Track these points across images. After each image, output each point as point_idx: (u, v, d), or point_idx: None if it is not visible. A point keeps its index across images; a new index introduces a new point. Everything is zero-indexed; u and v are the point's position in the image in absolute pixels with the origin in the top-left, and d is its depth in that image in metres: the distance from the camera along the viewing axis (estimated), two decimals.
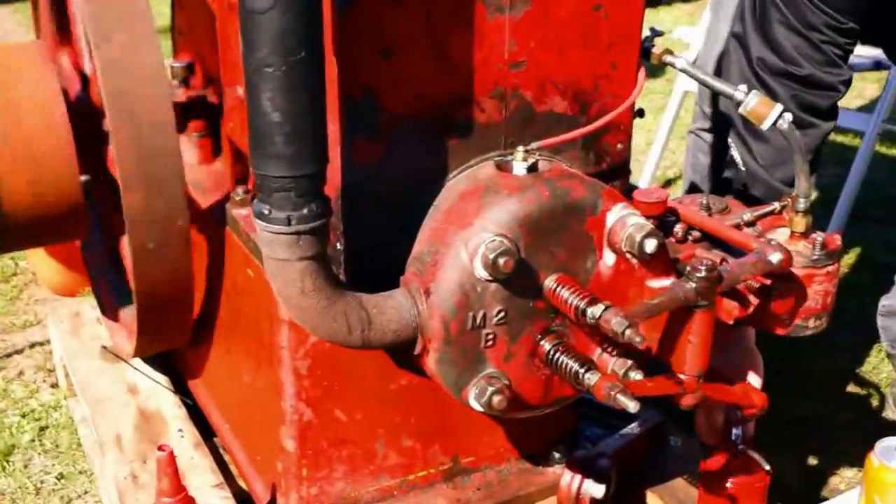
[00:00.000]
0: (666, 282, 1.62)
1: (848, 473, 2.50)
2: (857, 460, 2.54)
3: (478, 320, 1.55)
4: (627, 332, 1.42)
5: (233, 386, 2.31)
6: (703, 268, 1.51)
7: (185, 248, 2.06)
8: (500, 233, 1.51)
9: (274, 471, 2.00)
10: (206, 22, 2.26)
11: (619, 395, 1.45)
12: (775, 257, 1.59)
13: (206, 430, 2.45)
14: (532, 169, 1.62)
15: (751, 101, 1.68)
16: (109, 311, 2.62)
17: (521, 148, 1.60)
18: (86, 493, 2.52)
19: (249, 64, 1.31)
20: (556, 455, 2.07)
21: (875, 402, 2.81)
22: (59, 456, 2.63)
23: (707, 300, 1.53)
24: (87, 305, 2.94)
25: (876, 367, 2.97)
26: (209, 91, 2.37)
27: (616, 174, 1.78)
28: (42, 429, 2.72)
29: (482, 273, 1.51)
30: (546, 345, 1.60)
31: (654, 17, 6.18)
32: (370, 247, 1.64)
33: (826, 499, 2.45)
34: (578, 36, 1.64)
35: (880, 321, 2.97)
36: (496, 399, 1.55)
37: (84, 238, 2.52)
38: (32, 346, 3.14)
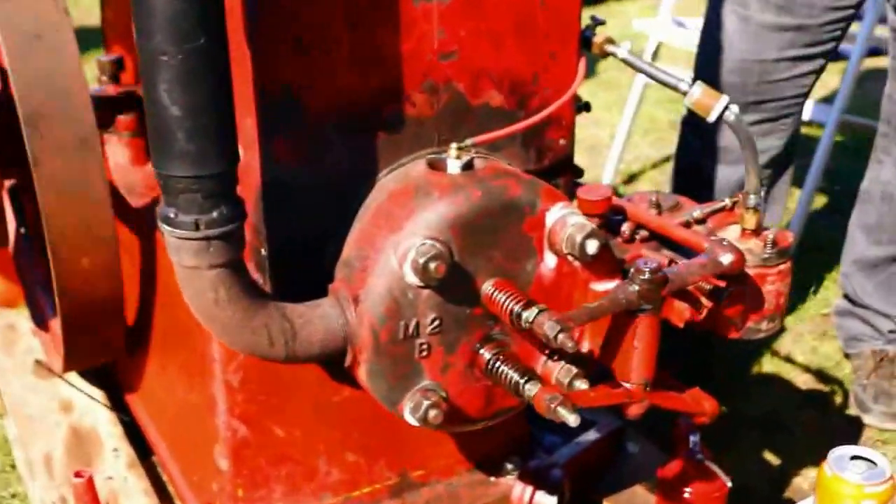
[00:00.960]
0: (611, 284, 1.52)
1: (812, 474, 2.41)
2: (821, 460, 2.46)
3: (410, 329, 1.44)
4: (559, 336, 1.32)
5: (168, 401, 2.19)
6: (647, 269, 1.41)
7: (111, 258, 1.94)
8: (430, 236, 1.40)
9: (210, 492, 1.89)
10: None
11: (559, 409, 1.34)
12: (726, 258, 1.49)
13: (144, 449, 2.33)
14: (467, 167, 1.52)
15: (695, 93, 1.58)
16: (42, 322, 2.50)
17: (454, 145, 1.49)
18: None
19: (143, 52, 1.19)
20: (510, 465, 1.96)
21: (839, 399, 2.72)
22: None
23: (651, 304, 1.43)
24: (23, 317, 2.81)
25: (839, 362, 2.88)
26: (140, 87, 2.25)
27: (559, 171, 1.68)
28: None
29: (413, 279, 1.40)
30: (486, 354, 1.50)
31: (618, 9, 6.08)
32: (297, 252, 1.52)
33: (790, 499, 2.37)
34: (513, 24, 1.53)
35: (835, 320, 2.90)
36: (432, 413, 1.45)
37: (5, 245, 2.39)
38: None
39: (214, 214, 1.27)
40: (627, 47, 1.62)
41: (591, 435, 2.09)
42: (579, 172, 1.83)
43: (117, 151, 2.33)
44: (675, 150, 2.86)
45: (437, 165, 1.52)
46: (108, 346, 2.13)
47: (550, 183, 1.67)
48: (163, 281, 2.12)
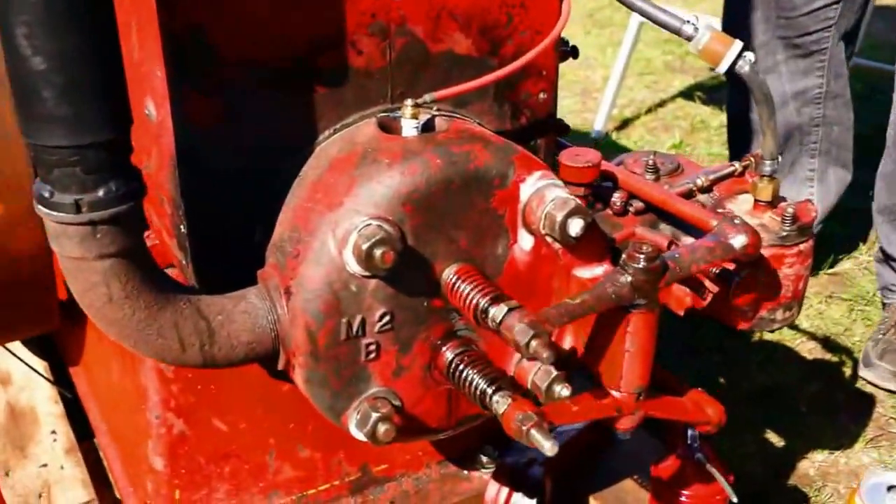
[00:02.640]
0: (599, 270, 1.24)
1: (818, 457, 2.15)
2: (829, 441, 2.20)
3: (354, 328, 1.16)
4: (532, 344, 1.04)
5: (106, 380, 1.93)
6: (642, 256, 1.13)
7: (33, 220, 1.65)
8: (376, 215, 1.12)
9: (145, 489, 1.63)
10: None
11: (532, 432, 1.07)
12: (738, 241, 1.20)
13: (84, 428, 2.07)
14: (426, 128, 1.22)
15: (703, 38, 1.27)
16: None
17: (409, 101, 1.19)
18: None
19: None
20: (484, 458, 1.70)
21: (847, 371, 2.45)
22: None
23: (646, 298, 1.15)
24: None
25: (848, 328, 2.60)
26: None
27: (539, 131, 1.38)
28: None
29: (355, 268, 1.12)
30: (448, 353, 1.22)
31: None
32: (222, 229, 1.24)
33: (794, 487, 2.12)
34: None
35: (875, 267, 2.66)
36: (382, 428, 1.17)
37: None
38: None
39: (100, 193, 0.99)
40: None
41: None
42: (564, 129, 1.54)
43: None
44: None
45: (389, 126, 1.23)
46: (36, 318, 1.85)
47: (528, 145, 1.38)
48: None
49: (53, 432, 1.99)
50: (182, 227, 1.23)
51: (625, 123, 3.90)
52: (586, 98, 4.02)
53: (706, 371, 2.39)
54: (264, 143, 1.20)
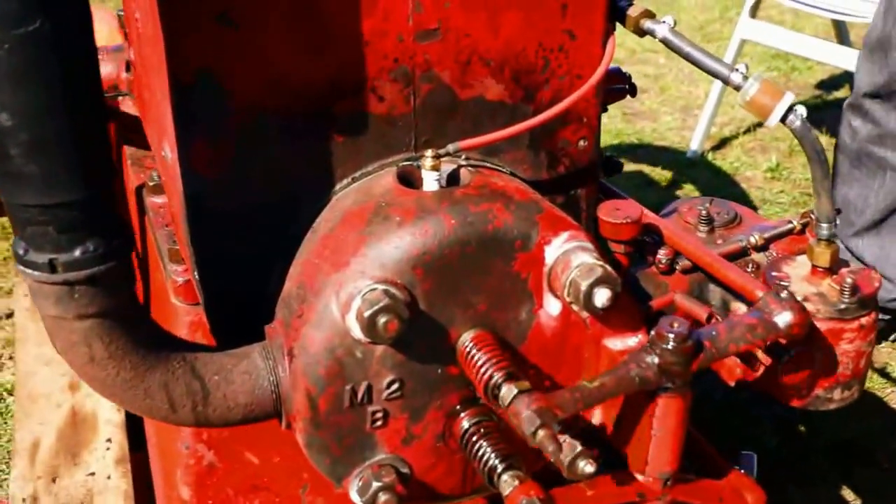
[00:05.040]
0: (632, 341, 1.09)
1: None
2: None
3: (360, 395, 1.04)
4: (539, 434, 0.91)
5: None
6: (672, 335, 0.97)
7: None
8: (383, 278, 1.00)
9: None
10: None
11: None
12: (783, 319, 1.03)
13: (143, 438, 2.02)
14: (452, 182, 1.09)
15: (751, 88, 1.10)
16: None
17: (429, 152, 1.07)
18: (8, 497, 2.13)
19: None
20: None
21: None
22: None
23: (676, 381, 1.00)
24: None
25: None
26: None
27: (578, 181, 1.23)
28: None
29: (359, 334, 1.00)
30: (464, 422, 1.09)
31: None
32: (233, 278, 1.13)
33: None
34: None
35: None
36: (383, 498, 1.05)
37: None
38: (10, 315, 2.75)
39: (77, 253, 0.89)
40: (670, 24, 1.15)
41: None
42: (617, 167, 1.38)
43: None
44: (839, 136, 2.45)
45: (409, 177, 1.10)
46: None
47: (568, 195, 1.24)
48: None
49: (109, 440, 1.95)
50: (196, 273, 1.14)
51: (722, 143, 3.66)
52: (686, 115, 3.79)
53: (785, 416, 2.18)
54: (277, 192, 1.09)
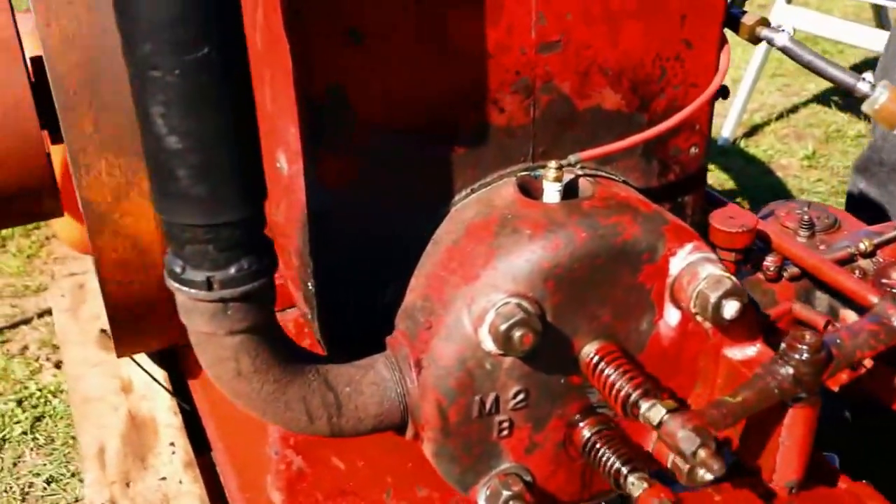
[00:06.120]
0: (751, 350, 1.13)
1: None
2: None
3: (488, 405, 1.08)
4: (701, 454, 0.95)
5: (227, 402, 1.91)
6: (805, 347, 1.02)
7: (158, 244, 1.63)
8: (515, 292, 1.04)
9: None
10: None
11: None
12: None
13: (202, 440, 2.06)
14: (569, 191, 1.13)
15: (880, 97, 1.15)
16: None
17: (552, 163, 1.10)
18: (77, 501, 2.16)
19: (130, 63, 0.84)
20: None
21: None
22: (52, 454, 2.26)
23: (810, 391, 1.04)
24: (94, 276, 2.55)
25: None
26: None
27: (689, 187, 1.27)
28: (37, 419, 2.36)
29: (491, 346, 1.04)
30: (585, 431, 1.14)
31: None
32: (351, 288, 1.17)
33: None
34: (637, 4, 1.13)
35: None
36: None
37: (61, 216, 2.11)
38: (41, 314, 2.77)
39: (232, 270, 0.93)
40: (790, 33, 1.18)
41: None
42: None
43: None
44: (871, 138, 2.39)
45: (529, 188, 1.14)
46: (159, 336, 1.84)
47: (676, 202, 1.28)
48: None
49: (172, 444, 1.98)
50: (310, 284, 1.17)
51: (754, 130, 3.69)
52: (717, 101, 3.81)
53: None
54: (399, 203, 1.13)
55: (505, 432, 1.11)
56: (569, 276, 1.05)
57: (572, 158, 1.13)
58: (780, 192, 3.28)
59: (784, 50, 1.18)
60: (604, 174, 1.20)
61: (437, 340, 1.06)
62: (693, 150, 1.25)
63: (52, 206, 1.87)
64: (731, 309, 1.05)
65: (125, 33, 0.83)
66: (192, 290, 0.93)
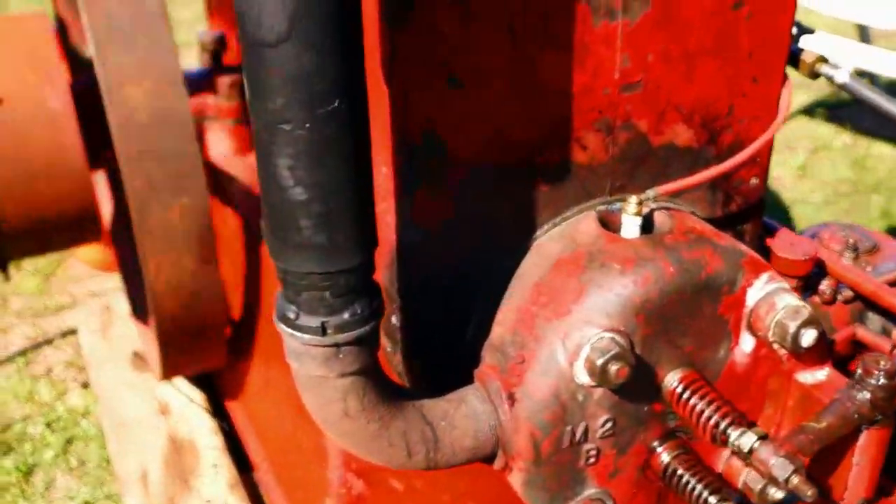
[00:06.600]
0: (821, 374, 1.16)
1: None
2: None
3: (577, 435, 1.10)
4: (794, 480, 0.98)
5: (274, 423, 1.91)
6: (881, 372, 1.05)
7: (212, 268, 1.64)
8: (609, 326, 1.06)
9: None
10: None
11: None
12: None
13: (243, 460, 2.06)
14: (646, 226, 1.16)
15: None
16: (140, 309, 2.22)
17: (634, 198, 1.12)
18: None
19: (258, 117, 0.85)
20: None
21: None
22: (84, 476, 2.25)
23: (885, 414, 1.07)
24: (120, 298, 2.54)
25: None
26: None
27: (748, 216, 1.30)
28: (68, 441, 2.35)
29: (585, 379, 1.06)
30: (664, 456, 1.16)
31: None
32: (436, 324, 1.19)
33: None
34: (713, 43, 1.15)
35: None
36: None
37: (99, 241, 2.11)
38: (65, 335, 2.75)
39: (346, 315, 0.94)
40: (849, 70, 1.21)
41: None
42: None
43: (219, 140, 2.01)
44: None
45: (608, 221, 1.16)
46: (208, 357, 1.85)
47: (737, 230, 1.30)
48: (268, 287, 1.82)
49: (215, 465, 1.98)
50: (394, 318, 1.19)
51: None
52: None
53: None
54: (484, 238, 1.14)
55: (592, 459, 1.13)
56: (658, 310, 1.08)
57: (651, 193, 1.15)
58: (774, 203, 3.33)
59: (844, 87, 1.21)
60: (674, 206, 1.22)
61: (531, 374, 1.08)
62: (754, 180, 1.28)
63: (94, 233, 1.87)
64: (809, 338, 1.08)
65: (254, 87, 0.84)
66: (307, 336, 0.95)
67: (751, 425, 1.03)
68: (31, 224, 1.75)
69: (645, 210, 1.16)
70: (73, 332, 2.74)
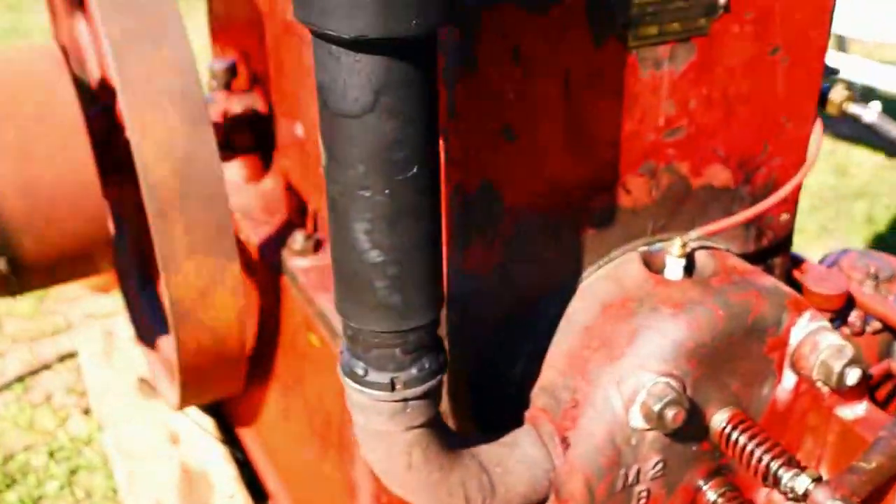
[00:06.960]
0: (860, 409, 1.18)
1: None
2: None
3: (630, 478, 1.11)
4: None
5: (292, 454, 1.89)
6: None
7: (235, 298, 1.63)
8: (663, 371, 1.06)
9: None
10: (249, 14, 1.79)
11: None
12: None
13: (257, 489, 2.04)
14: (688, 267, 1.16)
15: None
16: (146, 335, 2.19)
17: (678, 240, 1.13)
18: None
19: (336, 183, 0.85)
20: None
21: None
22: None
23: None
24: (121, 320, 2.51)
25: None
26: (255, 94, 1.91)
27: (778, 251, 1.32)
28: (72, 472, 2.31)
29: (640, 423, 1.07)
30: (710, 494, 1.17)
31: None
32: (485, 365, 1.19)
33: None
34: (750, 88, 1.16)
35: None
36: None
37: (111, 270, 2.07)
38: (62, 359, 2.70)
39: (414, 371, 0.94)
40: (878, 109, 1.23)
41: None
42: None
43: (230, 168, 1.99)
44: None
45: (651, 263, 1.17)
46: (227, 386, 1.83)
47: (767, 264, 1.32)
48: (287, 329, 1.80)
49: (231, 497, 1.97)
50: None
51: None
52: None
53: None
54: (532, 282, 1.15)
55: (643, 501, 1.13)
56: (709, 355, 1.08)
57: (693, 234, 1.16)
58: None
59: (872, 126, 1.22)
60: (710, 245, 1.23)
61: (584, 419, 1.08)
62: (784, 216, 1.29)
63: (107, 264, 1.85)
64: (853, 377, 1.10)
65: (334, 155, 0.83)
66: (376, 392, 0.94)
67: (802, 467, 1.04)
68: (50, 257, 1.72)
69: (687, 250, 1.17)
70: (71, 355, 2.69)
